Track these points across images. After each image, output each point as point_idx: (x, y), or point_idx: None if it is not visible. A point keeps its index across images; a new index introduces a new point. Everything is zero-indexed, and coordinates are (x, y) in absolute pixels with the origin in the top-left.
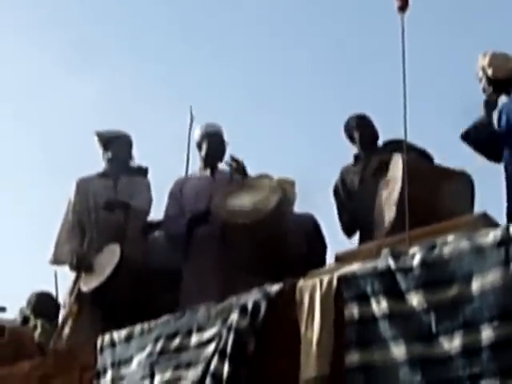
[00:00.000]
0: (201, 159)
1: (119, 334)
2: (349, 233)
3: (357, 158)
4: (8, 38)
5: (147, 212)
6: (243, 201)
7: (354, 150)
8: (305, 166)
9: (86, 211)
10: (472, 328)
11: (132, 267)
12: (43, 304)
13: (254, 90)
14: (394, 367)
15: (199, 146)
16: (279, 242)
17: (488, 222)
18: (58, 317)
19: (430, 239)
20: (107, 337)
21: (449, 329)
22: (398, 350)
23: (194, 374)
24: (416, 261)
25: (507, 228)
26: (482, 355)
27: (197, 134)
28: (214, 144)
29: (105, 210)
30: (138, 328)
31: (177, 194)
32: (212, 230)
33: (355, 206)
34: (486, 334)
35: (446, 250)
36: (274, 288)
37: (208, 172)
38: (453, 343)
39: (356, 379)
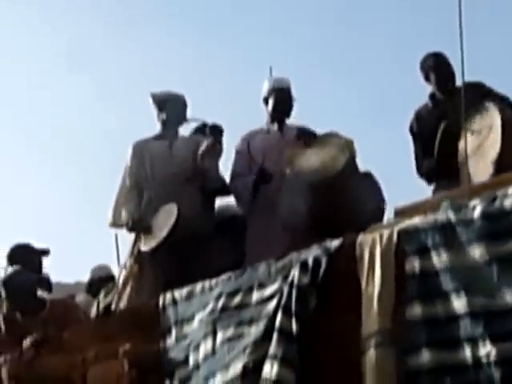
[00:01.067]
0: (268, 114)
1: (180, 293)
2: (428, 178)
3: (433, 97)
4: None
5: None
6: (311, 160)
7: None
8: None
9: (143, 173)
10: None
11: (189, 226)
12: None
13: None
14: (455, 320)
15: (266, 101)
16: (345, 202)
17: None
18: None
19: (490, 192)
20: (169, 296)
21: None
22: (460, 303)
23: (256, 330)
24: (477, 213)
25: None
26: None
27: (264, 88)
28: (281, 99)
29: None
30: (199, 286)
31: (244, 151)
32: (279, 188)
33: (432, 150)
34: None
35: (508, 202)
36: (334, 244)
37: (275, 127)
38: None
39: (418, 333)
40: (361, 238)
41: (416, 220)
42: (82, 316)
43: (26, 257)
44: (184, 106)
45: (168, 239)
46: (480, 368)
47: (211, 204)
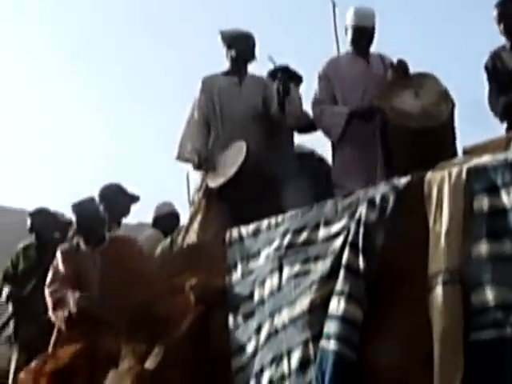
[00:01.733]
0: (350, 43)
1: (247, 229)
2: (502, 115)
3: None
4: None
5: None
6: (411, 103)
7: None
8: None
9: (211, 108)
10: None
11: (259, 165)
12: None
13: None
14: None
15: (347, 30)
16: (442, 150)
17: None
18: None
19: None
20: (235, 232)
21: None
22: None
23: (322, 267)
24: None
25: None
26: None
27: (347, 17)
28: (362, 28)
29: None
30: (265, 222)
31: (328, 76)
32: (373, 126)
33: (509, 87)
34: None
35: None
36: (402, 181)
37: (361, 59)
38: None
39: (484, 270)
40: (429, 175)
41: (485, 158)
42: (143, 251)
43: (115, 197)
44: (253, 43)
45: (236, 177)
46: None
47: (284, 142)
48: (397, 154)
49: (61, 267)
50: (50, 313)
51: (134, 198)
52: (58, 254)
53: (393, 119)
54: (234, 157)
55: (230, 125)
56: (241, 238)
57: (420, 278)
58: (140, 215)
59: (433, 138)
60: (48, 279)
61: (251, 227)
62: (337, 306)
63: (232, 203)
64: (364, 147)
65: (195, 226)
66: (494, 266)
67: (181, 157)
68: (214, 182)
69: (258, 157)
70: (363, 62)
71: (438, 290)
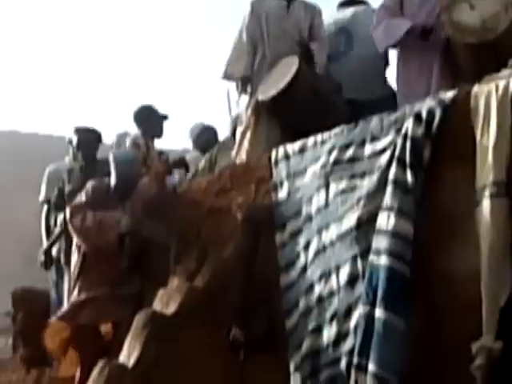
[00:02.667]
0: None
1: (293, 147)
2: None
3: None
4: None
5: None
6: (471, 15)
7: None
8: None
9: (259, 30)
10: None
11: (310, 79)
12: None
13: None
14: None
15: None
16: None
17: None
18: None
19: None
20: (281, 149)
21: None
22: None
23: (369, 182)
24: None
25: None
26: None
27: None
28: None
29: None
30: (311, 140)
31: None
32: (434, 42)
33: None
34: None
35: None
36: (449, 95)
37: None
38: None
39: None
40: (476, 88)
41: None
42: None
43: (150, 118)
44: None
45: (288, 88)
46: None
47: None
48: (460, 69)
49: None
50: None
51: (165, 117)
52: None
53: (452, 34)
54: (286, 69)
55: (275, 47)
56: (287, 155)
57: (467, 192)
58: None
59: (491, 53)
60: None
61: (297, 145)
62: (386, 221)
63: (283, 116)
64: (426, 61)
65: (245, 144)
66: None
67: (228, 76)
68: (265, 95)
69: (309, 71)
70: None
71: (485, 204)
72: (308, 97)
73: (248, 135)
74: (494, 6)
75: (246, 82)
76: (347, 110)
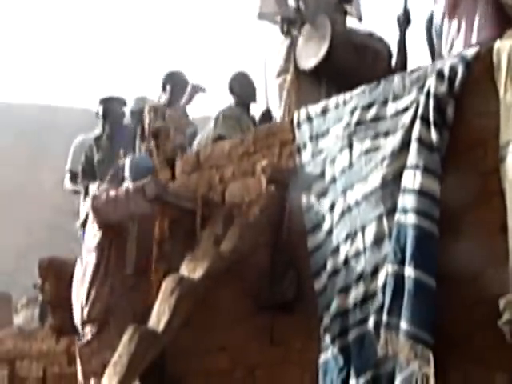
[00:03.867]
0: None
1: (315, 109)
2: None
3: None
4: None
5: None
6: None
7: None
8: None
9: None
10: None
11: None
12: None
13: None
14: None
15: None
16: None
17: None
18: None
19: None
20: (303, 112)
21: None
22: None
23: (393, 141)
24: None
25: None
26: None
27: None
28: None
29: None
30: (333, 101)
31: None
32: None
33: None
34: None
35: None
36: (471, 51)
37: None
38: None
39: None
40: (498, 44)
41: None
42: None
43: (178, 84)
44: None
45: (327, 56)
46: None
47: None
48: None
49: None
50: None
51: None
52: None
53: None
54: (322, 31)
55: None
56: (309, 117)
57: (493, 148)
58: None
59: None
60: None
61: (319, 106)
62: (413, 179)
63: (328, 78)
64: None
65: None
66: None
67: (263, 15)
68: (307, 63)
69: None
70: None
71: (510, 160)
72: (350, 55)
73: (292, 96)
74: None
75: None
76: (389, 50)
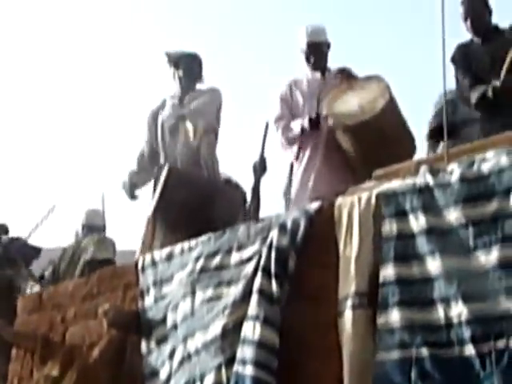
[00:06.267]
0: (309, 66)
1: (160, 253)
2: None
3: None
4: None
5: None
6: (350, 103)
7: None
8: None
9: None
10: (511, 242)
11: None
12: None
13: None
14: (429, 280)
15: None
16: (390, 146)
17: None
18: None
19: (468, 157)
20: (148, 256)
21: (487, 243)
22: (435, 264)
23: (235, 291)
24: (455, 177)
25: None
26: None
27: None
28: (319, 52)
29: None
30: (178, 247)
31: (287, 96)
32: (318, 133)
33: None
34: None
35: (485, 166)
36: (313, 206)
37: (318, 74)
38: (490, 256)
39: (392, 292)
40: (339, 200)
41: (394, 183)
42: None
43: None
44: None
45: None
46: (451, 327)
47: None
48: (350, 156)
49: None
50: None
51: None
52: None
53: (334, 123)
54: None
55: None
56: (154, 262)
57: (331, 301)
58: None
59: (372, 132)
60: None
61: (164, 252)
62: (252, 330)
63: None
64: (314, 157)
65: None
66: (400, 288)
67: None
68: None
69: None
70: (320, 79)
71: (348, 314)
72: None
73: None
74: (371, 93)
75: None
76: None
